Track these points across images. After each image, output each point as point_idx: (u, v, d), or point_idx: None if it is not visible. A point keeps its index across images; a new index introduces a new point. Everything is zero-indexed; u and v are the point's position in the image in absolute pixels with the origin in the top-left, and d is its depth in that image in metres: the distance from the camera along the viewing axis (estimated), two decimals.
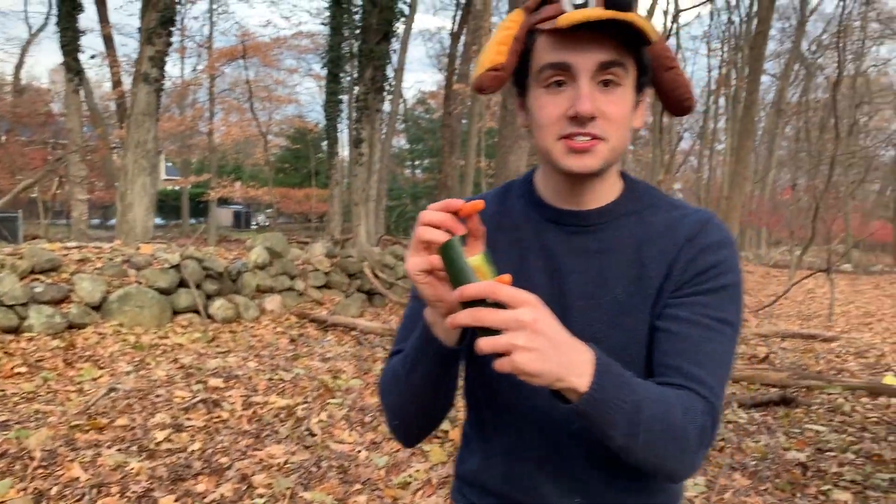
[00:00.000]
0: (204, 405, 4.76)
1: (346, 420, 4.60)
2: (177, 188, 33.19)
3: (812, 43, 33.14)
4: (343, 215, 20.80)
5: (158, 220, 30.78)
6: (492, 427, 1.13)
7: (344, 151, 26.32)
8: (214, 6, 26.18)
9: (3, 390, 5.34)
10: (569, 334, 0.85)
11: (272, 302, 9.12)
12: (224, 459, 3.85)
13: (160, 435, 4.17)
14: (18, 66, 30.90)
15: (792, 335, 9.36)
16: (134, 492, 3.42)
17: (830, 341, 8.99)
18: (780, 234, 38.19)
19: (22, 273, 6.87)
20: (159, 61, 11.72)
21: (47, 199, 20.14)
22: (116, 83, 20.29)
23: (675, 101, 1.06)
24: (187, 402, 4.79)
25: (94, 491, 3.39)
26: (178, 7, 13.34)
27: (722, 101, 36.74)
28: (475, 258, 0.88)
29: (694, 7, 24.30)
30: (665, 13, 29.90)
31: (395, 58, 19.75)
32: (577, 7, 0.95)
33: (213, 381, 5.33)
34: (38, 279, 7.02)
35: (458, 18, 21.32)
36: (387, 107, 20.60)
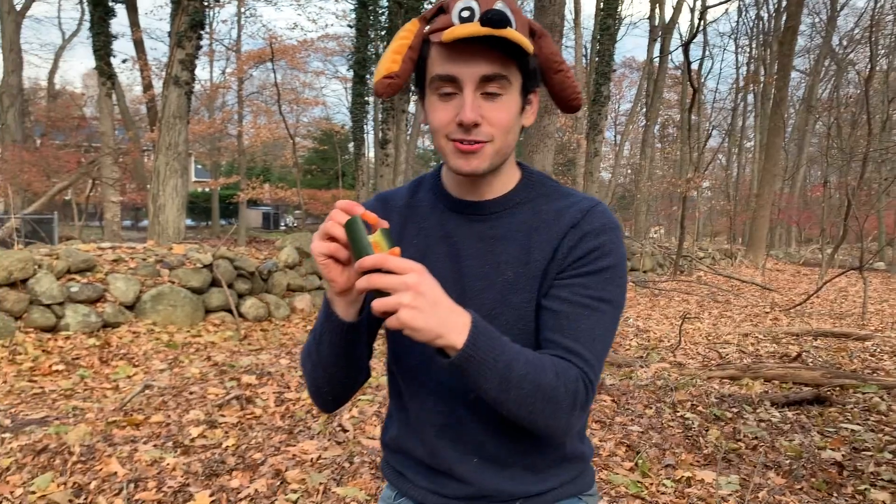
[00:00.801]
0: (237, 402, 4.82)
1: (377, 416, 4.63)
2: (207, 190, 33.53)
3: (843, 38, 32.64)
4: None
5: (189, 222, 31.18)
6: (406, 397, 1.25)
7: (370, 153, 26.45)
8: (242, 9, 26.49)
9: (42, 387, 5.46)
10: (449, 299, 0.98)
11: (302, 301, 9.20)
12: (258, 455, 3.89)
13: (195, 431, 4.23)
14: (52, 72, 31.53)
15: (824, 334, 9.23)
16: (170, 487, 3.47)
17: (864, 340, 8.85)
18: (810, 232, 37.65)
19: (58, 273, 7.00)
20: (189, 64, 11.87)
21: (81, 201, 20.47)
22: (147, 87, 20.58)
23: (563, 100, 1.16)
24: (221, 399, 4.85)
25: (132, 486, 3.45)
26: (207, 11, 13.51)
27: (750, 98, 36.39)
28: (375, 234, 0.99)
29: (721, 3, 23.98)
30: (692, 10, 29.56)
31: None
32: (462, 20, 1.04)
33: (246, 378, 5.39)
34: (73, 279, 7.16)
35: None
36: (412, 108, 20.66)
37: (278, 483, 3.55)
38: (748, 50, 35.77)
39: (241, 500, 3.36)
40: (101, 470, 3.62)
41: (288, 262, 9.49)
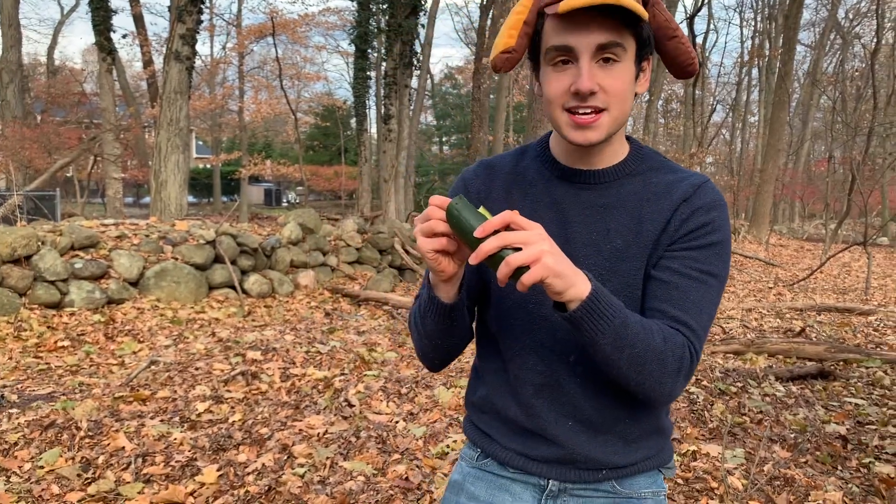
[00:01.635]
0: (243, 377, 4.84)
1: (383, 391, 4.65)
2: (208, 166, 33.47)
3: (849, 11, 32.23)
4: (372, 192, 20.83)
5: (191, 198, 31.14)
6: (506, 356, 1.26)
7: (372, 128, 26.33)
8: None
9: (48, 363, 5.48)
10: (572, 265, 1.00)
11: (306, 277, 9.20)
12: (264, 430, 3.91)
13: (201, 406, 4.25)
14: (52, 47, 31.27)
15: (828, 309, 9.24)
16: (178, 461, 3.49)
17: (868, 315, 8.85)
18: (814, 208, 37.56)
19: (62, 250, 7.00)
20: (190, 39, 11.78)
21: (83, 177, 20.43)
22: (147, 62, 20.45)
23: (678, 66, 1.16)
24: (226, 375, 4.86)
25: (140, 460, 3.47)
26: None
27: (755, 72, 36.07)
28: (480, 209, 1.01)
29: None
30: None
31: (422, 33, 19.61)
32: None
33: (251, 354, 5.40)
34: (77, 255, 7.16)
35: None
36: (414, 83, 20.51)
37: (285, 457, 3.57)
38: (753, 23, 35.45)
39: (248, 474, 3.38)
40: (108, 445, 3.64)
41: (291, 238, 9.48)
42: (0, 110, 19.64)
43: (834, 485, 3.30)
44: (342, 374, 5.09)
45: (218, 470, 3.40)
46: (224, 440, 3.76)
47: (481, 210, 1.00)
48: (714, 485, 3.28)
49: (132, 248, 7.66)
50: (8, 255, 6.50)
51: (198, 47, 12.40)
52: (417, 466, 3.50)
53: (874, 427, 4.14)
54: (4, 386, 4.84)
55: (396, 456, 3.63)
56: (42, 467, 3.38)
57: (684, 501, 3.12)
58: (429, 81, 37.76)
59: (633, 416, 1.22)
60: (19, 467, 3.40)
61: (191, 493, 3.18)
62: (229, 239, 8.47)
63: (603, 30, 1.05)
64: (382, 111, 19.13)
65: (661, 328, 1.08)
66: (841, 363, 5.77)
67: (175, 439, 3.74)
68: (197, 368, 5.10)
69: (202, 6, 11.88)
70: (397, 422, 4.11)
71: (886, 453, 3.71)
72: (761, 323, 8.20)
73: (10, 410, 4.20)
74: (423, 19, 19.15)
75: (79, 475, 3.32)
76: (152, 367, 5.12)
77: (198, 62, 16.15)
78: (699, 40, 23.72)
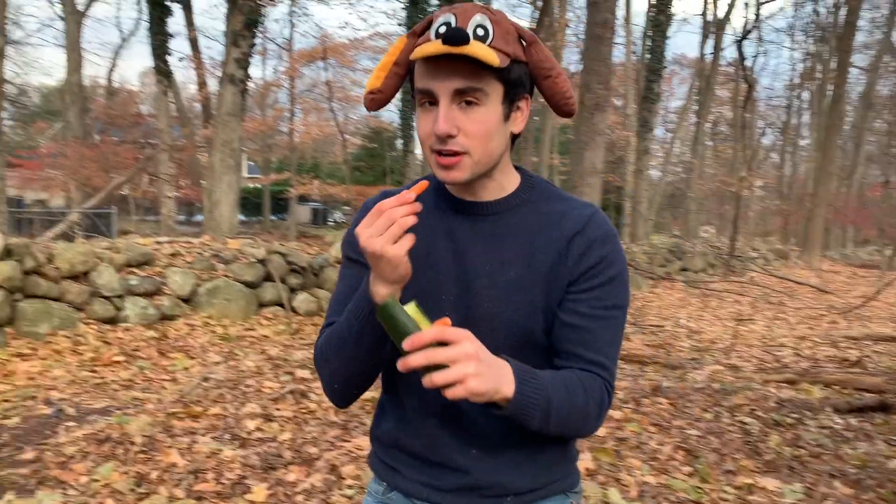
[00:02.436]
0: (292, 396, 4.88)
1: None
2: (259, 186, 34.05)
3: None
4: None
5: (241, 217, 31.65)
6: (404, 390, 1.27)
7: (417, 149, 26.51)
8: (294, 8, 26.76)
9: (103, 377, 5.61)
10: (492, 355, 1.02)
11: None
12: (313, 450, 3.93)
13: (251, 424, 4.30)
14: (111, 70, 32.42)
15: (885, 338, 8.95)
16: (228, 479, 3.53)
17: None
18: (868, 233, 36.58)
19: (118, 266, 7.18)
20: (244, 63, 12.07)
21: (138, 196, 20.99)
22: (202, 85, 20.95)
23: (556, 105, 1.18)
24: (276, 393, 4.92)
25: (192, 477, 3.52)
26: (262, 10, 13.69)
27: (806, 95, 35.43)
28: (410, 307, 1.02)
29: None
30: (746, 5, 28.94)
31: None
32: (438, 36, 1.06)
33: (300, 373, 5.46)
34: (133, 272, 7.33)
35: (534, 16, 21.10)
36: None
37: (334, 478, 3.58)
38: (804, 46, 34.80)
39: (297, 493, 3.40)
40: (161, 460, 3.70)
41: (338, 257, 9.58)
42: (62, 131, 20.35)
43: None
44: None
45: (268, 489, 3.43)
46: (274, 459, 3.79)
47: (412, 308, 1.01)
48: None
49: (185, 266, 7.82)
50: (67, 271, 6.69)
51: (251, 71, 12.69)
52: None
53: None
54: (62, 399, 4.96)
55: None
56: (97, 481, 3.45)
57: None
58: None
59: (538, 443, 1.23)
60: (76, 480, 3.47)
61: None
62: (279, 258, 8.60)
63: (460, 76, 1.07)
64: None
65: (580, 381, 1.13)
66: None
67: (226, 457, 3.78)
68: (247, 386, 5.16)
69: (256, 31, 12.17)
70: None
71: None
72: (815, 351, 7.99)
73: (68, 423, 4.30)
74: None
75: (132, 490, 3.38)
76: (204, 383, 5.20)
77: (250, 85, 16.52)
78: (749, 62, 23.44)
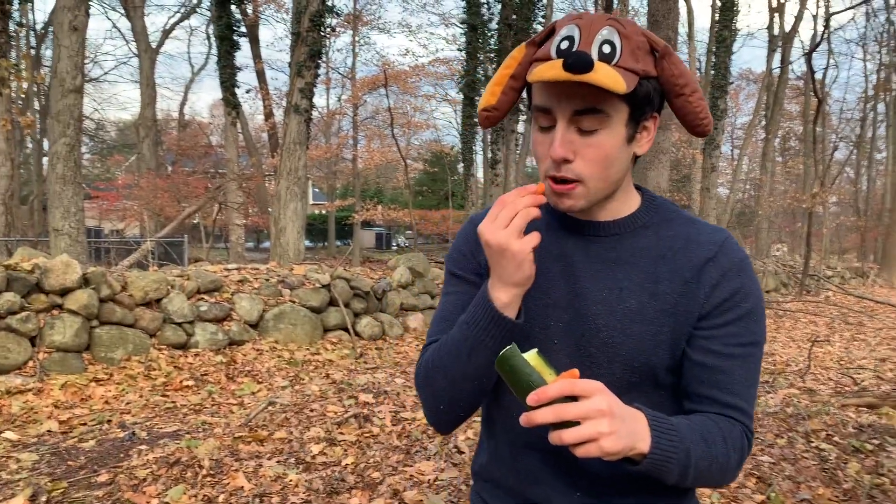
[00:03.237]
0: (355, 420, 4.91)
1: None
2: (324, 212, 34.69)
3: None
4: None
5: (307, 243, 32.26)
6: (501, 423, 1.19)
7: (479, 173, 26.60)
8: (357, 38, 27.36)
9: (173, 402, 5.76)
10: (626, 407, 0.93)
11: (415, 320, 9.32)
12: (376, 474, 3.94)
13: (315, 448, 4.34)
14: (182, 103, 33.69)
15: None
16: (293, 502, 3.57)
17: None
18: None
19: (189, 293, 7.40)
20: (308, 92, 12.36)
21: (208, 224, 21.64)
22: (268, 115, 21.60)
23: (688, 125, 1.11)
24: (340, 417, 4.96)
25: (258, 500, 3.57)
26: (324, 41, 14.04)
27: (881, 107, 34.17)
28: (531, 356, 0.93)
29: (848, 9, 22.71)
30: (814, 17, 28.19)
31: None
32: (560, 53, 1.00)
33: (363, 397, 5.49)
34: (202, 299, 7.54)
35: None
36: (521, 127, 20.65)
37: (396, 503, 3.58)
38: (878, 57, 33.62)
39: None
40: (228, 484, 3.76)
41: (401, 281, 9.65)
42: (136, 162, 21.21)
43: None
44: None
45: None
46: (337, 483, 3.82)
47: (534, 357, 0.92)
48: None
49: (253, 292, 8.00)
50: (141, 298, 6.93)
51: (315, 100, 13.00)
52: None
53: None
54: (135, 423, 5.12)
55: None
56: (168, 503, 3.53)
57: None
58: None
59: (653, 491, 1.11)
60: (147, 502, 3.56)
61: None
62: (343, 283, 8.72)
63: (580, 96, 1.00)
64: (489, 156, 19.34)
65: (719, 428, 1.04)
66: None
67: (290, 481, 3.82)
68: (312, 410, 5.22)
69: (320, 62, 12.47)
70: None
71: None
72: None
73: (140, 447, 4.43)
74: None
75: None
76: (270, 407, 5.28)
77: (315, 113, 16.94)
78: (819, 75, 22.79)
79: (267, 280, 8.35)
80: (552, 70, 0.96)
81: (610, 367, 1.08)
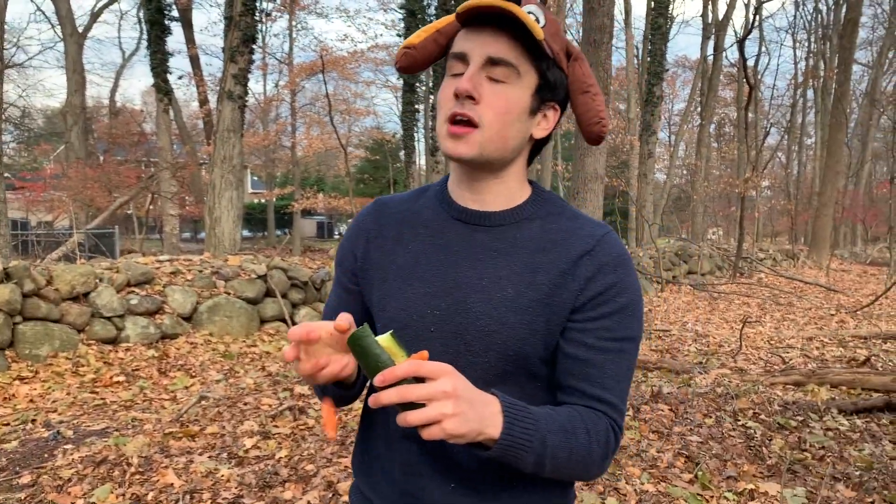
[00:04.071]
0: (290, 412, 4.85)
1: None
2: (263, 201, 34.18)
3: None
4: None
5: (246, 233, 31.78)
6: (376, 415, 1.21)
7: (421, 160, 26.54)
8: (294, 23, 26.91)
9: (103, 399, 5.59)
10: (475, 389, 0.93)
11: None
12: (310, 466, 3.90)
13: (248, 442, 4.26)
14: (113, 90, 32.63)
15: (894, 336, 8.85)
16: (224, 498, 3.50)
17: None
18: (877, 230, 36.35)
19: (118, 286, 7.18)
20: (242, 79, 12.10)
21: (141, 214, 21.06)
22: (203, 101, 21.07)
23: (585, 124, 1.13)
24: (274, 410, 4.88)
25: (188, 497, 3.49)
26: (259, 25, 13.76)
27: (810, 93, 35.35)
28: (385, 338, 0.92)
29: None
30: (746, 5, 28.90)
31: None
32: None
33: (299, 389, 5.42)
34: (133, 292, 7.33)
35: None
36: None
37: (330, 495, 3.54)
38: (807, 44, 34.75)
39: None
40: (158, 481, 3.67)
41: None
42: (65, 152, 20.46)
43: None
44: None
45: None
46: (270, 477, 3.76)
47: (387, 339, 0.92)
48: None
49: (186, 284, 7.82)
50: (67, 292, 6.69)
51: (251, 86, 12.74)
52: None
53: None
54: (61, 422, 4.95)
55: None
56: (94, 503, 3.42)
57: None
58: None
59: (526, 483, 1.13)
60: (72, 503, 3.45)
61: None
62: (280, 273, 8.58)
63: (497, 44, 1.03)
64: (430, 143, 19.30)
65: (583, 419, 1.04)
66: None
67: (222, 476, 3.75)
68: (246, 403, 5.13)
69: (253, 47, 12.21)
70: None
71: None
72: (823, 352, 7.91)
73: (65, 446, 4.28)
74: None
75: None
76: (202, 402, 5.17)
77: (251, 100, 16.59)
78: (750, 63, 23.38)
79: (200, 271, 8.16)
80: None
81: (486, 355, 1.08)
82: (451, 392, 0.88)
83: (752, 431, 4.42)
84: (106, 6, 26.63)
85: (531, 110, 1.09)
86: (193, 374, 6.42)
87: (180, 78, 24.37)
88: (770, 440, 4.28)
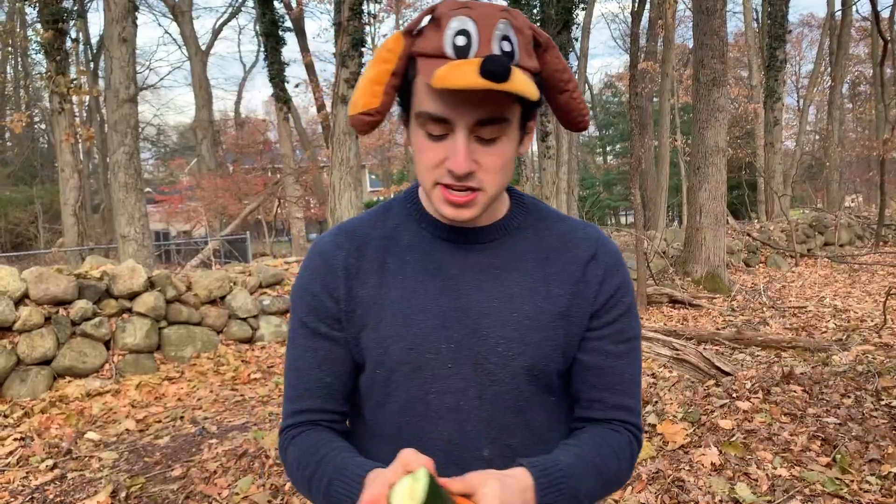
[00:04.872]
0: None
1: None
2: (381, 199, 35.04)
3: None
4: None
5: None
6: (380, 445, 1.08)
7: (532, 146, 26.40)
8: (400, 22, 27.38)
9: (242, 395, 5.95)
10: (512, 481, 0.88)
11: None
12: None
13: None
14: (238, 102, 34.42)
15: None
16: None
17: None
18: None
19: (251, 288, 7.60)
20: (354, 82, 12.43)
21: (270, 219, 22.11)
22: (320, 107, 21.81)
23: (568, 122, 1.04)
24: None
25: None
26: (367, 28, 14.11)
27: None
28: (421, 478, 0.80)
29: None
30: None
31: (577, 45, 19.45)
32: (457, 50, 0.89)
33: None
34: (265, 293, 7.74)
35: None
36: None
37: None
38: None
39: None
40: None
41: None
42: (197, 164, 21.79)
43: None
44: None
45: None
46: None
47: (423, 479, 0.80)
48: None
49: None
50: (205, 296, 7.15)
51: None
52: None
53: None
54: (206, 418, 5.31)
55: None
56: (238, 493, 3.66)
57: None
58: (588, 93, 37.33)
59: None
60: (219, 494, 3.71)
61: None
62: None
63: (485, 105, 0.90)
64: (540, 129, 19.14)
65: (609, 444, 1.04)
66: None
67: None
68: None
69: (363, 49, 12.52)
70: None
71: None
72: None
73: (210, 441, 4.60)
74: (577, 32, 18.99)
75: (269, 501, 3.57)
76: None
77: None
78: (885, 14, 21.64)
79: None
80: (466, 77, 0.84)
81: (512, 381, 1.03)
82: None
83: None
84: (226, 22, 28.13)
85: (519, 141, 1.01)
86: None
87: (297, 86, 25.38)
88: None
